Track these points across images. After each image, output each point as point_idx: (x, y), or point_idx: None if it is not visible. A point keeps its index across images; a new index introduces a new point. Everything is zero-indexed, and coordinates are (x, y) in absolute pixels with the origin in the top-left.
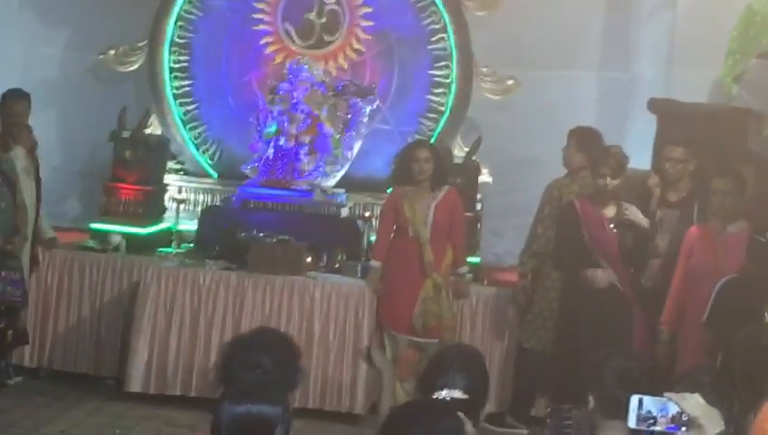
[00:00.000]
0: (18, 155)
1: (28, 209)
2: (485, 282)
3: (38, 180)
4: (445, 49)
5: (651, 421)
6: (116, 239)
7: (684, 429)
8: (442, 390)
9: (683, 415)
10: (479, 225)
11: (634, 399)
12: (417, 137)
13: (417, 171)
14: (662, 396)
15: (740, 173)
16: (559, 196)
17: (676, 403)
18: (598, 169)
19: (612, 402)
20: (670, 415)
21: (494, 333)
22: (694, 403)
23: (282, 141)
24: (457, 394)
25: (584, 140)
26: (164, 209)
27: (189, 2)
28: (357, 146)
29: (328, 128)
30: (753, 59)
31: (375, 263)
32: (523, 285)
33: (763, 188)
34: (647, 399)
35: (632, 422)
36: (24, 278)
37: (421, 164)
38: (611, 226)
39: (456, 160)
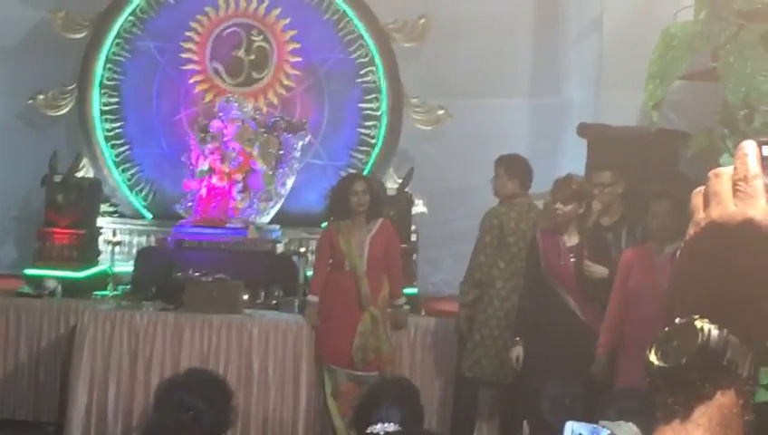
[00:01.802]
0: None
1: None
2: (423, 312)
3: None
4: (374, 82)
5: None
6: (51, 284)
7: None
8: (376, 424)
9: None
10: (415, 255)
11: (567, 425)
12: (350, 170)
13: (354, 204)
14: (597, 423)
15: (678, 194)
16: (499, 224)
17: (610, 430)
18: (552, 195)
19: (546, 429)
20: None
21: (434, 363)
22: (627, 431)
23: (214, 180)
24: (391, 428)
25: (514, 167)
26: (99, 252)
27: (117, 44)
28: (290, 181)
29: (260, 165)
30: (676, 81)
31: (312, 298)
32: (465, 314)
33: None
34: (579, 425)
35: None
36: None
37: (359, 196)
38: (571, 255)
39: (390, 192)
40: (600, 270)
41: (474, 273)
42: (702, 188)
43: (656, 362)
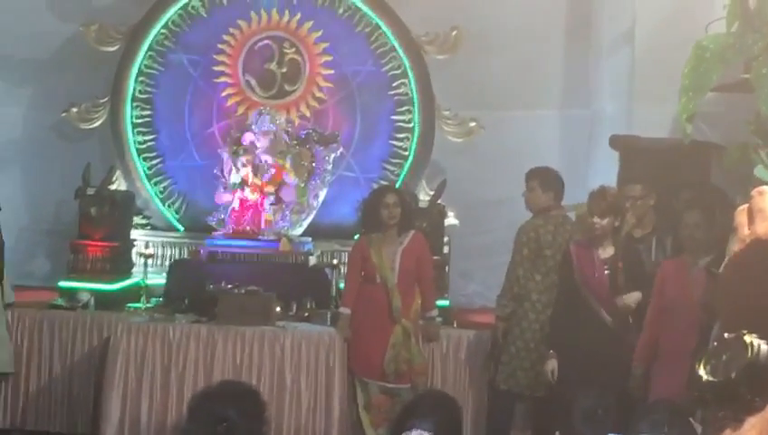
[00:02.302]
0: None
1: None
2: (456, 324)
3: (1, 245)
4: (406, 94)
5: None
6: (85, 296)
7: None
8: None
9: None
10: (447, 267)
11: None
12: (382, 183)
13: (386, 217)
14: None
15: (709, 206)
16: (536, 237)
17: None
18: (589, 209)
19: None
20: None
21: (467, 375)
22: None
23: (247, 192)
24: None
25: (548, 179)
26: (132, 265)
27: (150, 57)
28: (322, 194)
29: (292, 177)
30: (709, 93)
31: (344, 310)
32: (502, 327)
33: (725, 222)
34: None
35: None
36: None
37: (390, 209)
38: (605, 267)
39: (422, 204)
40: (634, 297)
41: (512, 286)
42: (746, 205)
43: (705, 377)
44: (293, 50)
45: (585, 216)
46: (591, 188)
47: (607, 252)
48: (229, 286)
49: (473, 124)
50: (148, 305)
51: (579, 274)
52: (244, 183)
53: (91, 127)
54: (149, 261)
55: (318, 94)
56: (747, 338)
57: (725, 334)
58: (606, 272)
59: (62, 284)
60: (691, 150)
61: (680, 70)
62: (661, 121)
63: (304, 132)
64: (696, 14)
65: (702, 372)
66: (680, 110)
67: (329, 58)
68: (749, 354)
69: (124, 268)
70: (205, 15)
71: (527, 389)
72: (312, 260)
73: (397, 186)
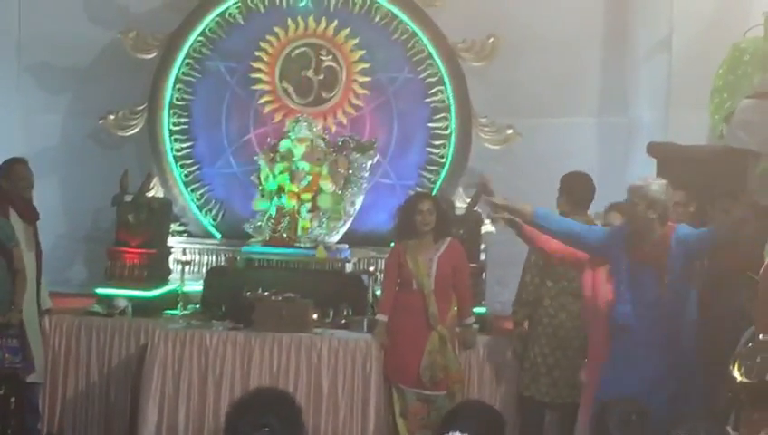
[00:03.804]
0: (18, 227)
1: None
2: (492, 332)
3: (39, 253)
4: (443, 101)
5: None
6: (122, 303)
7: None
8: None
9: None
10: (484, 275)
11: None
12: (419, 189)
13: (420, 223)
14: None
15: (756, 201)
16: None
17: None
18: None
19: None
20: None
21: (503, 383)
22: None
23: (284, 199)
24: None
25: (566, 183)
26: (169, 272)
27: (187, 64)
28: (359, 201)
29: (329, 184)
30: (746, 99)
31: (381, 317)
32: (518, 332)
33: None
34: None
35: None
36: (24, 345)
37: (424, 216)
38: None
39: (458, 211)
40: None
41: (521, 292)
42: None
43: (739, 378)
44: (330, 57)
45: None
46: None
47: None
48: (266, 293)
49: (510, 131)
50: (186, 312)
51: None
52: (280, 190)
53: (128, 134)
54: (186, 268)
55: (355, 101)
56: None
57: (760, 336)
58: None
59: (100, 290)
60: (728, 157)
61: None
62: (698, 129)
63: (341, 139)
64: (734, 21)
65: (736, 373)
66: (712, 110)
67: (365, 65)
68: None
69: (161, 275)
70: (242, 22)
71: (547, 395)
72: (349, 267)
73: (433, 193)
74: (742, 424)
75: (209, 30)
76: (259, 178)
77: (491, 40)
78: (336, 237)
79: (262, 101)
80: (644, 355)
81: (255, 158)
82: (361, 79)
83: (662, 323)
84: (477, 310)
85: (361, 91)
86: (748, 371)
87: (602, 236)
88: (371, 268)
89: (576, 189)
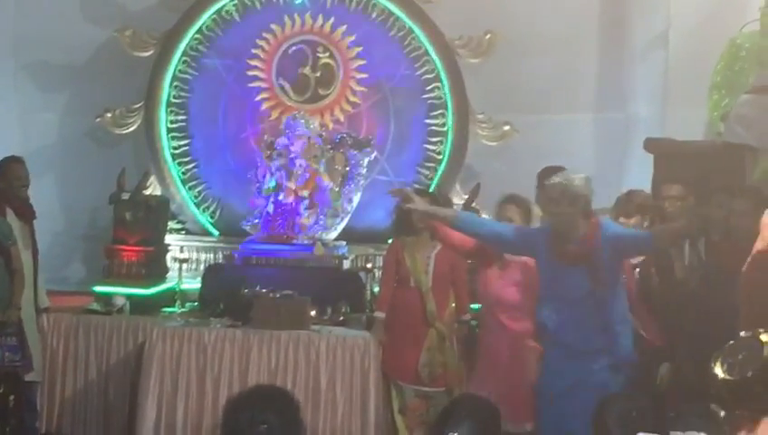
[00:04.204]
0: (15, 226)
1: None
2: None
3: (35, 251)
4: (440, 98)
5: None
6: (120, 301)
7: None
8: None
9: None
10: None
11: None
12: (416, 186)
13: (416, 220)
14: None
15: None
16: None
17: None
18: (615, 211)
19: None
20: None
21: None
22: None
23: (281, 196)
24: None
25: (539, 179)
26: (167, 269)
27: (184, 62)
28: (356, 198)
29: (326, 181)
30: (744, 94)
31: (379, 314)
32: None
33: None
34: None
35: None
36: (23, 343)
37: None
38: (636, 270)
39: (456, 208)
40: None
41: None
42: None
43: (721, 375)
44: (327, 54)
45: (612, 219)
46: (626, 190)
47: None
48: (264, 290)
49: (507, 128)
50: (183, 310)
51: None
52: (278, 187)
53: (125, 132)
54: (184, 265)
55: (352, 98)
56: (764, 336)
57: (742, 333)
58: (636, 276)
59: (98, 288)
60: (726, 153)
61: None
62: (695, 124)
63: (338, 136)
64: (731, 16)
65: (718, 370)
66: (710, 107)
67: (362, 62)
68: (765, 353)
69: (159, 273)
70: (238, 20)
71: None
72: (347, 264)
73: (431, 189)
74: (725, 421)
75: (206, 27)
76: (256, 175)
77: (488, 36)
78: (334, 234)
79: (259, 98)
80: (567, 355)
81: (253, 155)
82: (358, 76)
83: (589, 322)
84: (475, 306)
85: (358, 88)
86: (730, 368)
87: (526, 236)
88: (369, 265)
89: (542, 182)
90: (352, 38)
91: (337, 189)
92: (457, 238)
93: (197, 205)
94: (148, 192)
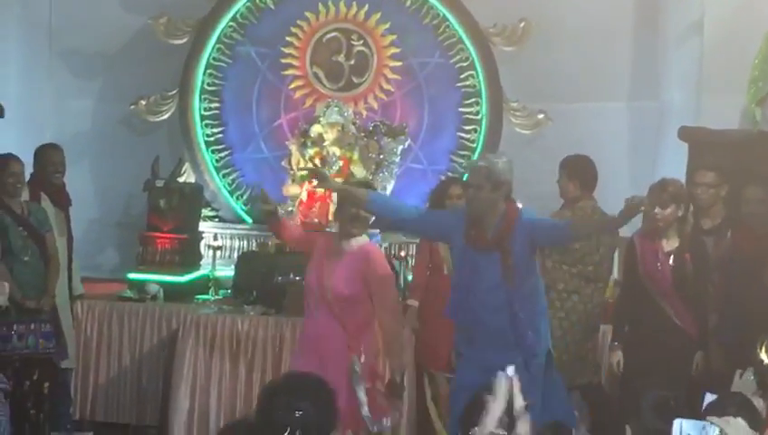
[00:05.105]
0: (50, 213)
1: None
2: None
3: (70, 238)
4: (474, 86)
5: None
6: (153, 288)
7: None
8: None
9: None
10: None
11: (676, 423)
12: (450, 175)
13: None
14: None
15: None
16: None
17: (719, 427)
18: (649, 201)
19: (650, 432)
20: None
21: None
22: (737, 426)
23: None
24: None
25: (574, 167)
26: (200, 257)
27: (218, 49)
28: (390, 186)
29: (360, 169)
30: None
31: (412, 302)
32: None
33: None
34: (688, 423)
35: None
36: (58, 330)
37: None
38: (670, 258)
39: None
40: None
41: None
42: None
43: (766, 360)
44: (361, 42)
45: (647, 209)
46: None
47: (671, 244)
48: (297, 278)
49: (541, 116)
50: (217, 297)
51: (642, 266)
52: (312, 175)
53: (159, 119)
54: (218, 253)
55: (385, 86)
56: None
57: None
58: (671, 264)
59: (131, 276)
60: (761, 142)
61: (750, 60)
62: (730, 113)
63: (372, 124)
64: (766, 2)
65: (763, 355)
66: (749, 99)
67: (396, 50)
68: None
69: (193, 260)
70: (273, 7)
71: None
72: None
73: (464, 178)
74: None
75: (240, 15)
76: (290, 163)
77: (522, 24)
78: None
79: (293, 86)
80: (483, 344)
81: (286, 143)
82: (392, 64)
83: (505, 309)
84: None
85: (392, 76)
86: None
87: (440, 220)
88: (402, 253)
89: (589, 173)
90: (386, 26)
91: (371, 177)
92: (287, 233)
93: (231, 192)
94: (182, 179)
